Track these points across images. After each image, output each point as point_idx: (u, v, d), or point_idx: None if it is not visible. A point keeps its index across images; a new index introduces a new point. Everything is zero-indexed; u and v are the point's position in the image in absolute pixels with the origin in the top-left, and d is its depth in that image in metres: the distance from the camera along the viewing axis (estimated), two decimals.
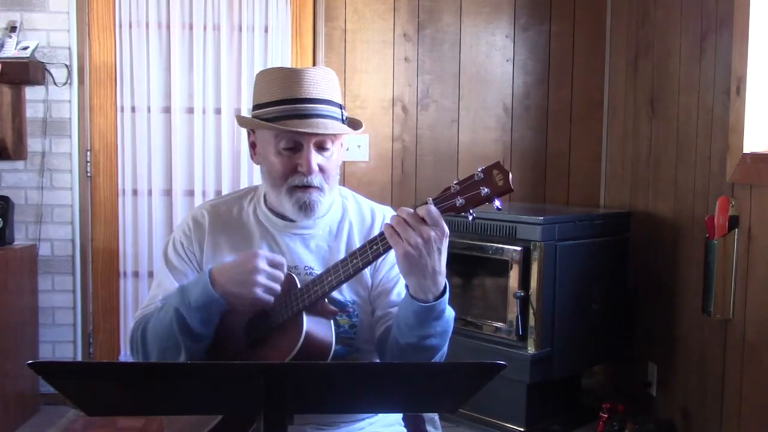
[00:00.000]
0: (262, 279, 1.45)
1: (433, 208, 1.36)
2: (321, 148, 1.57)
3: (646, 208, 3.30)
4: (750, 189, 2.38)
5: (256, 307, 1.49)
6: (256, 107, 1.61)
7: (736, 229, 2.43)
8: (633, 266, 3.35)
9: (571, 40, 3.79)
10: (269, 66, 3.54)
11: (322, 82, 1.58)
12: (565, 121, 3.82)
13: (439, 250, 1.38)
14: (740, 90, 2.43)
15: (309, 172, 1.55)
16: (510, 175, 1.33)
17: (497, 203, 1.35)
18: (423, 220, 1.36)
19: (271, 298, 1.47)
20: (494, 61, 3.78)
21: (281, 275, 1.47)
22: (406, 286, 1.45)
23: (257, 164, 1.65)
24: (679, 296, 2.97)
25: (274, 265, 1.47)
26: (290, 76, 1.57)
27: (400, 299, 1.51)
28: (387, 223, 1.39)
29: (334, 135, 1.59)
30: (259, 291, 1.45)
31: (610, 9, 3.75)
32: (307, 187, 1.56)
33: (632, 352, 3.37)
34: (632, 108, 3.49)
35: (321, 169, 1.57)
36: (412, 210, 1.37)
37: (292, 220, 1.64)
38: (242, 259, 1.49)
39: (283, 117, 1.54)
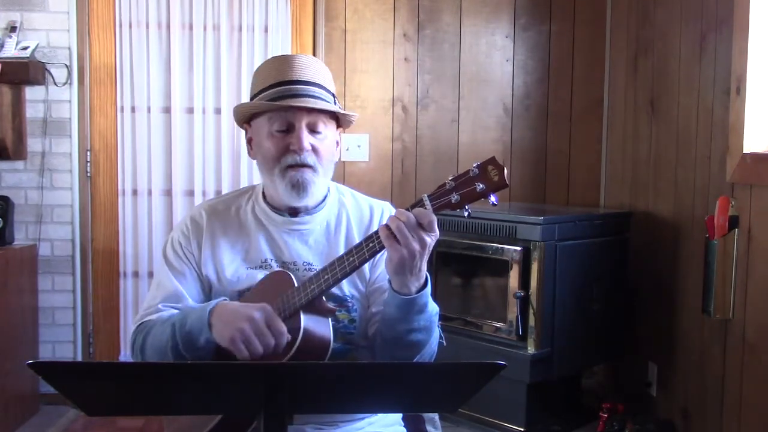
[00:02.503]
0: (247, 329, 1.40)
1: (431, 214, 1.36)
2: (313, 130, 1.58)
3: (646, 208, 3.30)
4: (750, 189, 2.38)
5: (234, 352, 1.43)
6: (251, 98, 1.64)
7: (736, 229, 2.43)
8: (633, 266, 3.35)
9: (571, 40, 3.79)
10: None
11: (314, 67, 1.61)
12: (565, 121, 3.82)
13: (428, 253, 1.39)
14: (740, 90, 2.43)
15: (301, 149, 1.55)
16: (505, 170, 1.33)
17: (493, 199, 1.34)
18: (421, 226, 1.35)
19: (244, 351, 1.41)
20: (494, 61, 3.78)
21: (270, 340, 1.41)
22: (389, 281, 1.45)
23: (253, 159, 1.66)
24: (679, 296, 2.97)
25: (270, 325, 1.42)
26: (282, 61, 1.60)
27: None
28: (384, 224, 1.39)
29: (326, 119, 1.60)
30: (238, 338, 1.40)
31: (610, 9, 3.75)
32: (300, 166, 1.57)
33: (632, 352, 3.37)
34: (632, 108, 3.49)
35: (314, 150, 1.58)
36: (412, 216, 1.36)
37: (290, 216, 1.64)
38: (248, 305, 1.46)
39: (275, 98, 1.57)
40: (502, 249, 3.06)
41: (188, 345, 1.48)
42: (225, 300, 1.53)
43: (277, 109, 1.56)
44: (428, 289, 1.45)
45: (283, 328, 1.43)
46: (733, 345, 2.49)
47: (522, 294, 2.97)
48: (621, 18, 3.64)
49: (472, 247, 3.15)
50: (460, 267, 3.26)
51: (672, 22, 3.08)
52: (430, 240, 1.37)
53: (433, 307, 1.49)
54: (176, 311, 1.59)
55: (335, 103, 1.62)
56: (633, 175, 3.47)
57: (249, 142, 1.67)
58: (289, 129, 1.57)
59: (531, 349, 2.97)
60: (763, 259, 2.31)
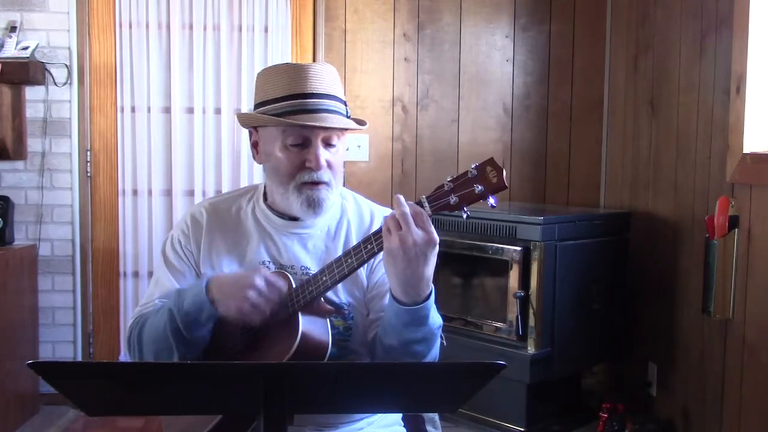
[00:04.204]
0: (253, 296, 1.43)
1: (416, 207, 1.35)
2: (327, 144, 1.56)
3: (646, 208, 3.30)
4: (750, 189, 2.38)
5: (243, 321, 1.48)
6: (259, 105, 1.59)
7: (736, 229, 2.43)
8: (633, 266, 3.35)
9: (571, 40, 3.79)
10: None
11: (327, 78, 1.57)
12: (565, 121, 3.82)
13: (425, 256, 1.36)
14: (740, 90, 2.43)
15: (318, 167, 1.54)
16: (504, 172, 1.32)
17: (491, 201, 1.33)
18: (414, 223, 1.34)
19: (257, 318, 1.45)
20: (494, 61, 3.78)
21: (275, 299, 1.45)
22: (390, 289, 1.44)
23: (260, 164, 1.64)
24: (679, 296, 2.97)
25: (271, 286, 1.45)
26: (295, 72, 1.56)
27: None
28: (386, 216, 1.39)
29: (340, 131, 1.58)
30: (246, 306, 1.44)
31: (610, 9, 3.75)
32: (316, 183, 1.55)
33: (632, 352, 3.37)
34: (632, 108, 3.49)
35: (328, 165, 1.56)
36: (407, 211, 1.35)
37: (291, 219, 1.63)
38: (243, 273, 1.49)
39: (290, 112, 1.53)
40: (502, 249, 3.06)
41: (189, 325, 1.49)
42: (212, 272, 1.54)
43: (294, 125, 1.53)
44: (430, 302, 1.43)
45: (280, 282, 1.46)
46: (733, 345, 2.49)
47: (522, 294, 2.97)
48: (621, 18, 3.64)
49: (472, 247, 3.15)
50: (460, 267, 3.26)
51: (672, 22, 3.08)
52: (418, 240, 1.34)
53: (435, 320, 1.47)
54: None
55: (347, 112, 1.60)
56: (633, 175, 3.47)
57: (254, 146, 1.64)
58: (304, 143, 1.54)
59: (531, 349, 2.97)
60: (763, 259, 2.31)
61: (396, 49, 3.71)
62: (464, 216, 1.36)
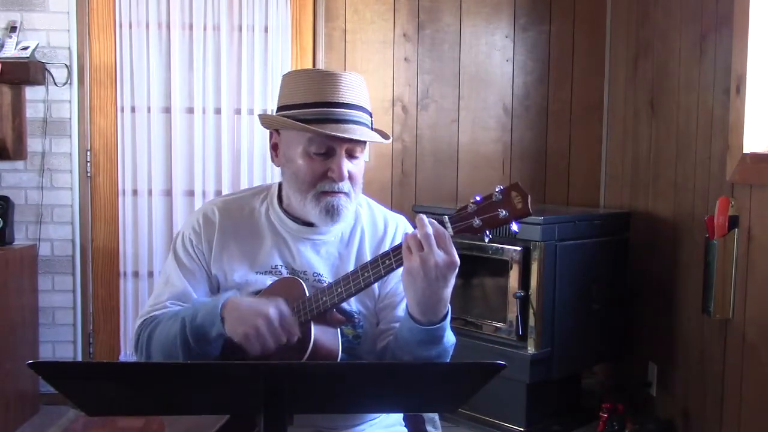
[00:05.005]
0: (261, 325, 1.40)
1: (440, 228, 1.34)
2: (351, 155, 1.55)
3: (646, 208, 3.30)
4: (750, 189, 2.38)
5: (245, 347, 1.43)
6: (284, 107, 1.56)
7: (736, 229, 2.43)
8: (633, 266, 3.35)
9: (571, 40, 3.79)
10: (270, 66, 3.57)
11: (355, 88, 1.55)
12: (565, 121, 3.82)
13: (445, 278, 1.35)
14: (740, 90, 2.43)
15: (340, 178, 1.52)
16: (529, 198, 1.31)
17: (515, 226, 1.32)
18: (436, 244, 1.33)
19: (257, 348, 1.41)
20: (494, 61, 3.78)
21: (283, 338, 1.41)
22: (407, 305, 1.43)
23: (278, 166, 1.61)
24: (679, 296, 2.97)
25: (283, 322, 1.41)
26: (324, 79, 1.53)
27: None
28: (407, 234, 1.37)
29: (363, 142, 1.56)
30: (252, 333, 1.40)
31: (610, 9, 3.75)
32: (336, 192, 1.53)
33: (632, 352, 3.38)
34: (632, 108, 3.49)
35: (349, 176, 1.55)
36: (430, 232, 1.33)
37: (305, 224, 1.61)
38: (262, 299, 1.45)
39: (317, 120, 1.50)
40: (502, 249, 3.06)
41: (198, 339, 1.47)
42: (235, 293, 1.51)
43: (321, 134, 1.50)
44: (446, 322, 1.43)
45: (296, 325, 1.42)
46: (733, 345, 2.49)
47: (522, 294, 2.97)
48: (621, 18, 3.64)
49: (472, 247, 3.14)
50: (460, 267, 3.24)
51: (672, 22, 3.08)
52: (441, 261, 1.33)
53: (449, 339, 1.47)
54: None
55: (372, 124, 1.59)
56: (633, 175, 3.47)
57: (274, 147, 1.61)
58: (328, 153, 1.53)
59: (531, 349, 2.97)
60: (763, 259, 2.31)
61: (396, 49, 3.71)
62: (486, 240, 1.35)
